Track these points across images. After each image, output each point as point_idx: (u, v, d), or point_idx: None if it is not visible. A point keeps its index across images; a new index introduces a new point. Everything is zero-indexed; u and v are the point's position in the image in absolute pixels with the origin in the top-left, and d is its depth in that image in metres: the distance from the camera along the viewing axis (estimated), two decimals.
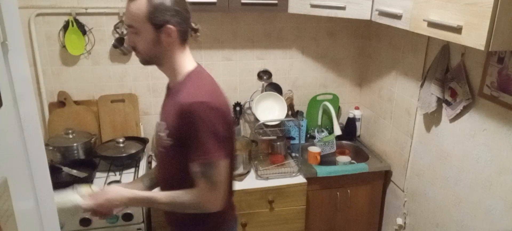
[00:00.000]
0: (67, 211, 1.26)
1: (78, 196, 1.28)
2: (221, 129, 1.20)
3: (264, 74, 2.44)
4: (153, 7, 1.18)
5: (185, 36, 1.28)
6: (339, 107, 2.63)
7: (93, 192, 1.31)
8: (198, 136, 1.17)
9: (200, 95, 1.19)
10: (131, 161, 2.12)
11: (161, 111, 1.40)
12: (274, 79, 2.48)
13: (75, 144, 2.07)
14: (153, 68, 2.25)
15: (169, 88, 1.38)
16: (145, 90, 2.33)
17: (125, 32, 2.19)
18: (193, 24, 1.30)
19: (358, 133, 2.62)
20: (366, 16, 1.85)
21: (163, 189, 1.40)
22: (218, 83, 1.30)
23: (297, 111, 2.52)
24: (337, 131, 2.38)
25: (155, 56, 1.27)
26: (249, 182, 2.12)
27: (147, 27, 1.20)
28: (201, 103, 1.17)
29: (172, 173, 1.33)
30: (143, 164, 2.16)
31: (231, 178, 1.35)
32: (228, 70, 2.40)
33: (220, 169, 1.21)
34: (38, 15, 2.07)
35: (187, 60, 1.30)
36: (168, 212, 1.35)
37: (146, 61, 1.30)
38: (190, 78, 1.26)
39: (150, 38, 1.22)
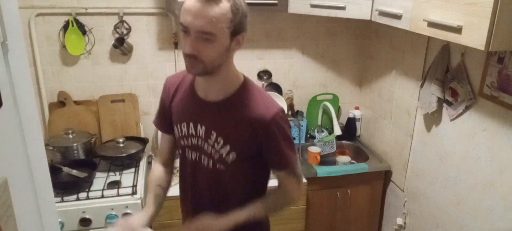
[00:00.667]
0: None
1: None
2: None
3: (264, 74, 2.44)
4: (237, 13, 1.06)
5: None
6: (339, 107, 2.63)
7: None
8: (282, 143, 1.19)
9: (274, 105, 1.19)
10: (131, 161, 2.12)
11: (201, 127, 1.22)
12: (274, 79, 2.48)
13: (75, 144, 2.07)
14: (153, 68, 2.29)
15: (208, 102, 1.21)
16: (145, 90, 2.32)
17: (125, 32, 2.19)
18: None
19: (358, 133, 2.62)
20: (366, 16, 1.85)
21: (227, 206, 1.26)
22: None
23: (297, 111, 2.52)
24: (337, 131, 2.38)
25: (218, 66, 1.12)
26: None
27: (225, 34, 1.07)
28: (279, 112, 1.18)
29: (239, 186, 1.27)
30: (143, 164, 2.16)
31: None
32: None
33: (299, 164, 1.28)
34: (38, 15, 2.07)
35: (236, 69, 1.22)
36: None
37: (206, 71, 1.12)
38: (250, 88, 1.20)
39: (223, 47, 1.09)
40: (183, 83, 1.29)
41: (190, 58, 1.09)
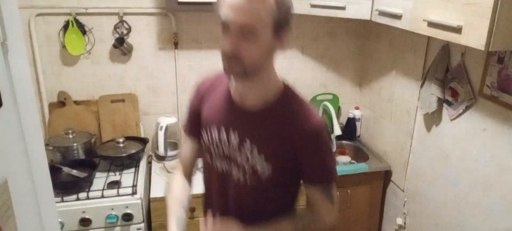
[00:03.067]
0: None
1: None
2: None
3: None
4: (282, 6, 0.98)
5: None
6: (339, 107, 2.63)
7: None
8: (324, 157, 1.12)
9: (317, 116, 1.10)
10: (131, 161, 2.11)
11: (235, 134, 1.12)
12: None
13: (75, 144, 2.07)
14: (154, 68, 2.29)
15: (244, 109, 1.12)
16: (145, 90, 2.32)
17: (125, 32, 2.19)
18: None
19: (358, 133, 2.62)
20: (366, 16, 1.85)
21: (254, 222, 1.15)
22: None
23: None
24: (337, 131, 2.38)
25: (260, 67, 1.04)
26: None
27: (268, 30, 0.99)
28: (323, 124, 1.10)
29: (270, 204, 1.17)
30: (143, 164, 2.16)
31: None
32: None
33: (335, 186, 1.16)
34: (38, 15, 2.07)
35: (277, 75, 1.13)
36: None
37: (246, 73, 1.02)
38: (291, 97, 1.12)
39: (265, 45, 1.01)
40: (218, 86, 1.20)
41: (230, 58, 1.00)
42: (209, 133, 1.17)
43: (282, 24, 1.00)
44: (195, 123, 1.24)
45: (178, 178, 1.28)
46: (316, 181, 1.13)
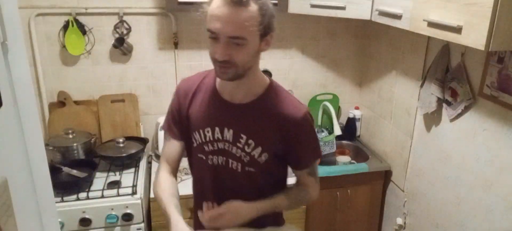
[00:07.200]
0: None
1: None
2: None
3: (264, 74, 2.44)
4: (265, 14, 1.06)
5: None
6: (339, 107, 2.63)
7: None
8: (311, 141, 1.26)
9: (302, 105, 1.23)
10: (131, 161, 2.12)
11: (229, 131, 1.20)
12: (274, 79, 2.46)
13: (75, 144, 2.07)
14: (153, 68, 2.29)
15: (235, 105, 1.20)
16: (145, 90, 2.32)
17: (125, 32, 2.19)
18: None
19: (358, 133, 2.62)
20: (366, 16, 1.85)
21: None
22: None
23: None
24: (337, 131, 2.38)
25: (249, 68, 1.13)
26: None
27: (255, 36, 1.07)
28: (308, 112, 1.22)
29: (268, 186, 1.27)
30: (143, 164, 2.16)
31: None
32: None
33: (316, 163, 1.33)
34: (38, 15, 2.07)
35: (260, 71, 1.25)
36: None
37: (238, 75, 1.12)
38: (277, 90, 1.25)
39: (254, 49, 1.09)
40: (202, 87, 1.26)
41: (222, 64, 1.07)
42: (202, 134, 1.24)
43: (267, 29, 1.09)
44: (180, 126, 1.29)
45: (165, 175, 1.29)
46: (305, 163, 1.28)
